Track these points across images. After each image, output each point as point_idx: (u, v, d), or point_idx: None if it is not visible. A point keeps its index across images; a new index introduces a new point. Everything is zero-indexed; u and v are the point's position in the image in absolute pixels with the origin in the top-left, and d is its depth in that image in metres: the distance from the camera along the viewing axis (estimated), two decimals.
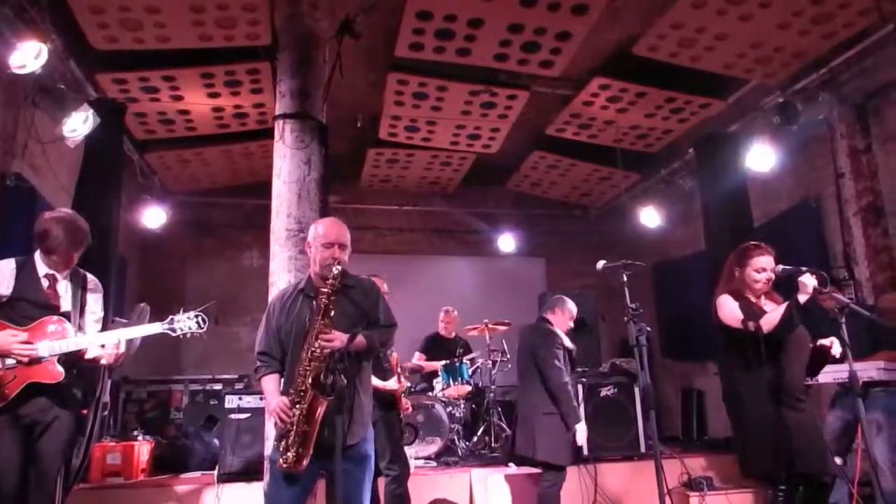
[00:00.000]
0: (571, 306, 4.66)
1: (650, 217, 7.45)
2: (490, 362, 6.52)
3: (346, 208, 7.94)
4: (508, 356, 6.63)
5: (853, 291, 5.47)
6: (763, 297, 3.43)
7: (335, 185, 7.57)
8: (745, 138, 6.09)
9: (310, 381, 2.61)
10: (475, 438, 6.21)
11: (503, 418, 6.35)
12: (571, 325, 4.62)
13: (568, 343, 4.48)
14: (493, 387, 6.39)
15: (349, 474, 2.64)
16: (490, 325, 6.66)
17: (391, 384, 4.18)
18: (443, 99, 6.15)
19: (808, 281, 3.08)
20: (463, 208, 9.01)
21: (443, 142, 7.15)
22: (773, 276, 3.35)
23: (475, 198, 8.99)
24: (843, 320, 3.12)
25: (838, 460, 4.40)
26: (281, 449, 2.64)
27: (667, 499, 5.08)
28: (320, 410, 2.58)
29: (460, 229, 9.22)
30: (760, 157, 5.78)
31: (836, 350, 3.37)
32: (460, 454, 5.84)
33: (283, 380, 2.85)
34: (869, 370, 4.13)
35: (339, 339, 2.64)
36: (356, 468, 2.72)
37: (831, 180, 5.75)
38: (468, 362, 6.30)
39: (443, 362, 6.27)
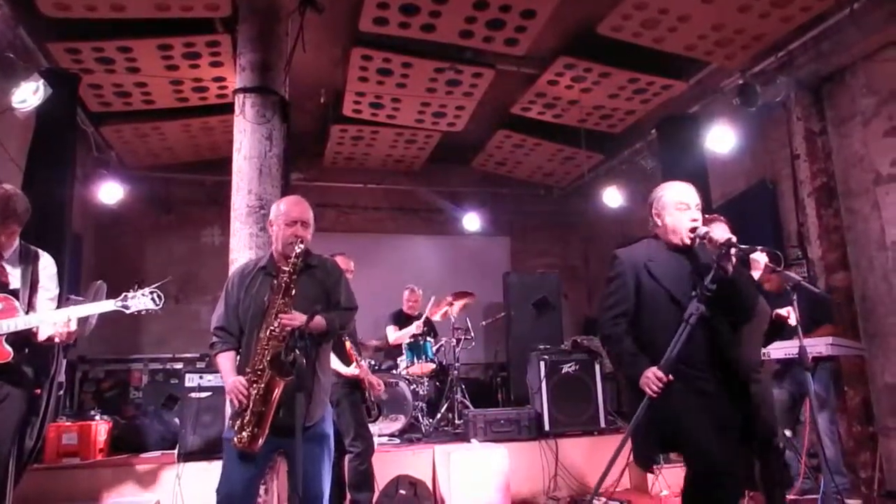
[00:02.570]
0: None
1: (613, 197, 7.52)
2: (454, 340, 6.55)
3: (309, 186, 7.82)
4: (472, 334, 6.68)
5: (806, 270, 5.62)
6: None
7: (298, 162, 7.49)
8: (706, 120, 6.18)
9: (267, 360, 2.58)
10: (438, 416, 6.25)
11: (466, 395, 6.40)
12: None
13: None
14: (456, 365, 6.43)
15: (308, 453, 2.64)
16: (453, 299, 6.68)
17: (351, 370, 4.18)
18: (407, 76, 6.07)
19: (760, 258, 3.16)
20: (428, 187, 8.98)
21: (408, 119, 7.08)
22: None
23: (440, 176, 8.95)
24: (795, 297, 3.21)
25: (787, 433, 4.57)
26: (236, 428, 2.62)
27: (626, 471, 5.27)
28: (277, 391, 2.56)
29: (425, 208, 9.19)
30: (720, 139, 5.87)
31: (793, 320, 3.47)
32: (424, 431, 5.88)
33: (239, 357, 2.82)
34: (818, 346, 4.27)
35: (298, 318, 2.61)
36: (315, 447, 2.72)
37: (787, 162, 5.87)
38: (432, 340, 6.32)
39: (407, 333, 6.28)
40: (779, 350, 4.16)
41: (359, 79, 6.13)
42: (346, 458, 4.10)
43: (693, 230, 2.57)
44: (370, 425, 4.40)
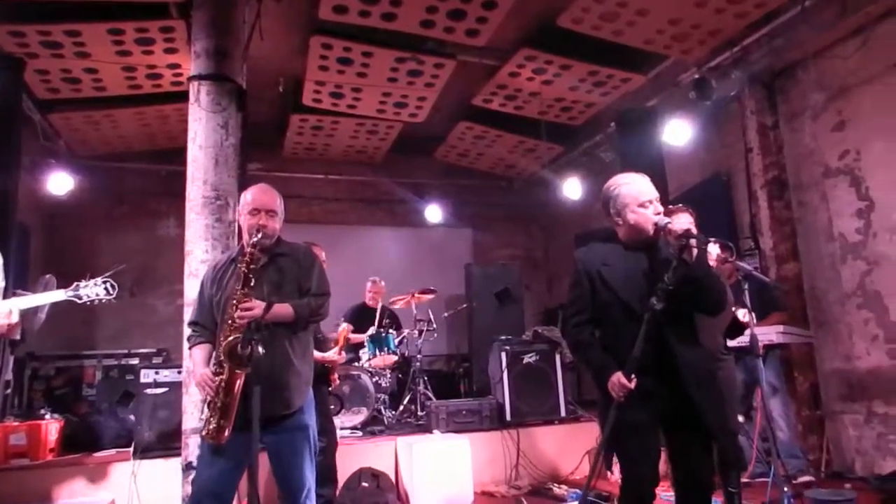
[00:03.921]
0: None
1: (573, 189, 7.60)
2: (416, 332, 6.54)
3: (268, 176, 7.63)
4: (434, 326, 6.68)
5: (758, 260, 5.77)
6: None
7: (257, 152, 7.36)
8: (664, 113, 6.28)
9: (225, 352, 2.55)
10: (401, 407, 6.24)
11: (429, 387, 6.41)
12: None
13: None
14: (419, 357, 6.43)
15: (287, 444, 2.66)
16: (416, 295, 6.67)
17: (330, 355, 4.16)
18: (368, 65, 6.01)
19: (712, 249, 3.22)
20: (390, 178, 8.93)
21: (369, 109, 7.01)
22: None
23: (402, 167, 8.90)
24: (746, 286, 3.30)
25: (740, 418, 4.71)
26: (204, 420, 2.63)
27: (587, 457, 5.35)
28: (239, 382, 2.54)
29: (387, 199, 9.14)
30: (677, 132, 5.98)
31: (743, 317, 3.57)
32: (386, 423, 5.87)
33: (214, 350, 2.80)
34: (769, 334, 4.40)
35: (255, 309, 2.58)
36: (294, 438, 2.70)
37: (741, 155, 6.01)
38: (394, 332, 6.30)
39: (369, 333, 6.25)
40: (730, 339, 4.26)
41: (319, 67, 6.04)
42: None
43: (656, 223, 2.54)
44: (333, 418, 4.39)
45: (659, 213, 2.57)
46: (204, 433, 2.61)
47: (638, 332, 2.37)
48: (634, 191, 2.62)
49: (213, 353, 2.71)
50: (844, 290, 5.26)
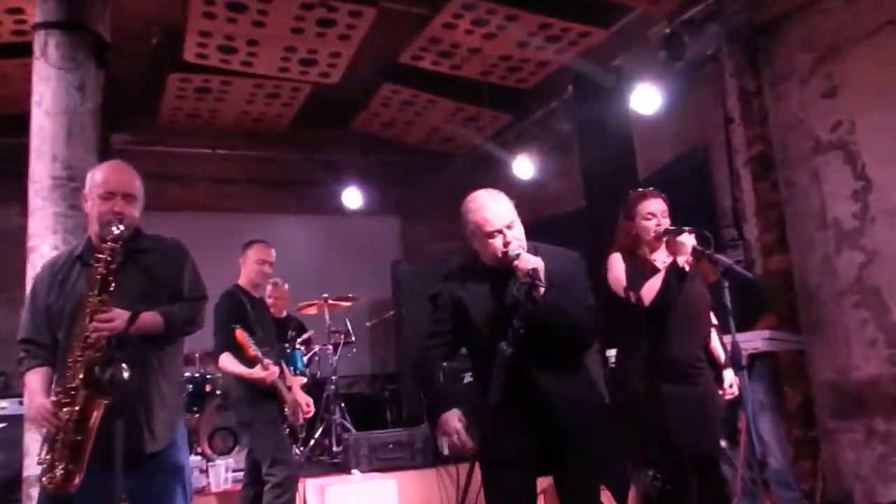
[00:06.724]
0: None
1: (523, 167, 7.70)
2: (330, 347, 6.52)
3: (140, 151, 7.50)
4: (354, 339, 6.67)
5: (742, 252, 5.98)
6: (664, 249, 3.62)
7: (124, 120, 7.19)
8: (629, 76, 6.44)
9: (80, 377, 2.48)
10: (311, 442, 6.22)
11: (347, 415, 6.40)
12: None
13: None
14: (334, 378, 6.42)
15: (154, 489, 2.61)
16: (331, 301, 6.65)
17: (257, 371, 4.18)
18: (267, 12, 5.96)
19: (687, 241, 3.33)
20: (296, 153, 8.87)
21: (269, 68, 6.97)
22: (662, 222, 3.55)
23: (312, 140, 8.87)
24: (727, 284, 3.43)
25: (723, 443, 4.88)
26: (46, 465, 2.53)
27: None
28: (96, 414, 2.48)
29: (293, 180, 9.11)
30: (645, 98, 6.14)
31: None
32: None
33: (56, 375, 2.73)
34: (753, 341, 4.59)
35: (117, 320, 2.53)
36: (165, 483, 2.67)
37: (720, 126, 6.24)
38: (302, 347, 6.27)
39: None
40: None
41: (203, 15, 5.94)
42: (265, 490, 4.14)
43: (505, 254, 2.71)
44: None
45: (508, 245, 2.72)
46: (45, 480, 2.52)
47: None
48: (480, 218, 2.79)
49: (55, 379, 2.63)
50: (839, 286, 5.52)
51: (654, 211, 3.54)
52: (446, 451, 2.52)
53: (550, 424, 2.66)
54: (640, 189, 3.76)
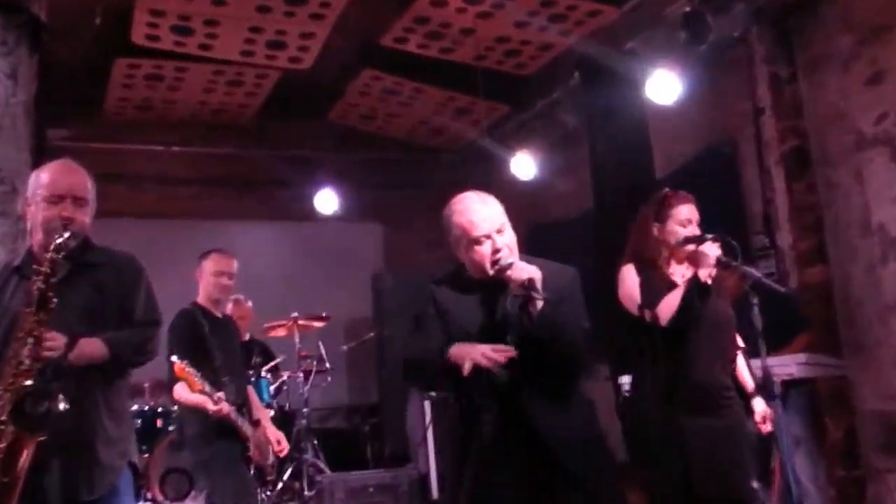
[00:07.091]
0: None
1: (523, 165, 7.71)
2: (301, 374, 6.50)
3: (81, 148, 7.48)
4: (328, 365, 6.65)
5: (774, 263, 5.99)
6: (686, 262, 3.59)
7: (62, 112, 7.17)
8: (645, 60, 6.45)
9: (8, 410, 2.46)
10: (280, 485, 6.18)
11: (321, 454, 6.38)
12: None
13: None
14: (305, 410, 6.40)
15: None
16: (301, 322, 6.63)
17: (207, 404, 4.15)
18: None
19: (710, 251, 3.33)
20: (263, 150, 8.88)
21: (231, 52, 7.00)
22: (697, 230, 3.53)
23: (281, 135, 8.89)
24: (756, 300, 3.43)
25: (754, 484, 4.87)
26: None
27: None
28: (27, 453, 2.46)
29: (259, 181, 9.10)
30: (663, 87, 6.15)
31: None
32: None
33: None
34: (787, 366, 4.58)
35: (57, 342, 2.53)
36: None
37: (749, 119, 6.25)
38: (269, 376, 6.25)
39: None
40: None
41: None
42: None
43: (495, 262, 2.70)
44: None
45: (499, 251, 2.70)
46: None
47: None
48: (465, 221, 2.77)
49: None
50: (886, 302, 5.51)
51: (691, 217, 3.49)
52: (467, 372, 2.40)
53: (547, 465, 2.65)
54: (670, 190, 3.71)
